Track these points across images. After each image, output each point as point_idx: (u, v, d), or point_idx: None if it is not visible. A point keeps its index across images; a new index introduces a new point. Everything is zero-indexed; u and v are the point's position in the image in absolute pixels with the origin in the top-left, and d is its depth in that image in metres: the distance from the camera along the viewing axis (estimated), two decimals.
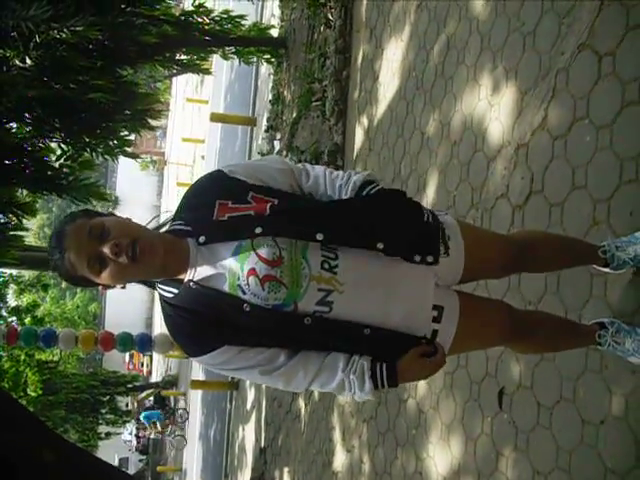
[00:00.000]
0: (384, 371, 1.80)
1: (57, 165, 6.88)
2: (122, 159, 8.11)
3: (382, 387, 1.81)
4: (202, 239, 1.78)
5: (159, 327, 29.60)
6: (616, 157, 2.73)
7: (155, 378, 28.00)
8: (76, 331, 9.49)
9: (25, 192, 7.20)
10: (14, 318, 13.58)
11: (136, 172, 39.62)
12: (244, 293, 1.74)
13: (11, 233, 7.21)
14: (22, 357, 13.43)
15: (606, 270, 2.53)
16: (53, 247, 1.73)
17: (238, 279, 1.74)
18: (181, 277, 1.80)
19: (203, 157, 21.59)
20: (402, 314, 1.84)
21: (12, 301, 14.91)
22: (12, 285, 14.51)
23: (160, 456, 27.52)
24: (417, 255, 1.87)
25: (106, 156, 7.32)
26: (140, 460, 31.44)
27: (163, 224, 1.92)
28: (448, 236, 1.96)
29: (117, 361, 30.12)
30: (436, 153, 4.38)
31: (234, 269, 1.74)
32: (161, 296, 1.84)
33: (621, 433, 2.50)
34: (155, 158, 40.95)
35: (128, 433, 31.03)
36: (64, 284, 42.05)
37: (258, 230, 1.74)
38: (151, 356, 31.02)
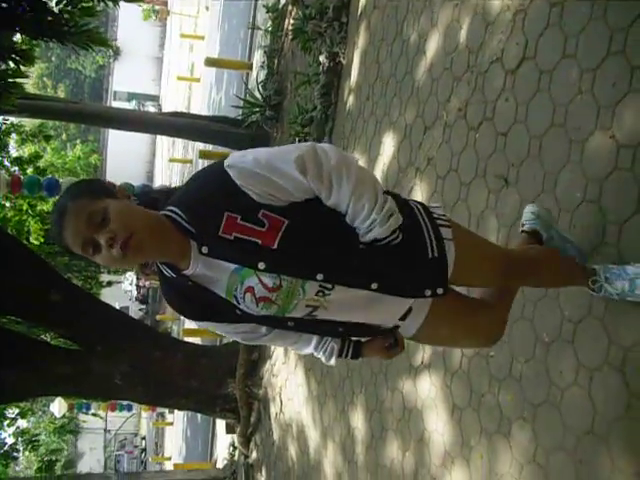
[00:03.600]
0: (350, 352, 2.09)
1: (57, 10, 6.78)
2: (123, 5, 7.88)
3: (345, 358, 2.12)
4: (205, 250, 1.76)
5: (160, 179, 29.88)
6: (607, 28, 2.79)
7: None
8: None
9: (25, 38, 7.13)
10: (16, 168, 13.65)
11: (138, 22, 38.45)
12: (238, 303, 1.83)
13: (10, 80, 7.18)
14: (24, 207, 13.62)
15: (591, 293, 2.58)
16: (54, 220, 1.75)
17: (235, 290, 1.80)
18: (181, 267, 1.82)
19: (207, 8, 20.96)
20: (376, 322, 2.04)
21: (14, 151, 14.94)
22: (14, 135, 14.48)
23: (159, 305, 28.60)
24: (427, 290, 1.95)
25: (107, 1, 7.16)
26: (140, 309, 32.71)
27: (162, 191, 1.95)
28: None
29: None
30: (437, 15, 4.39)
31: (233, 281, 1.79)
32: (161, 271, 1.88)
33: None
34: (158, 7, 39.58)
35: (129, 283, 32.09)
36: (65, 135, 41.95)
37: (261, 266, 1.75)
38: None
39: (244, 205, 1.73)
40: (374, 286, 1.86)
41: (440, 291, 1.96)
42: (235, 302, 1.83)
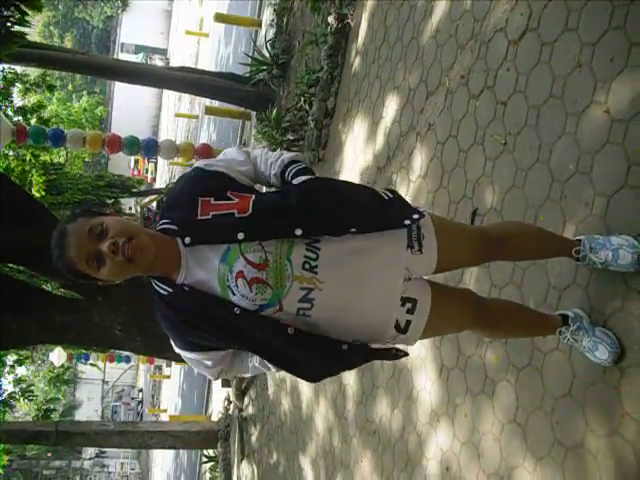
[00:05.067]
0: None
1: None
2: None
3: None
4: (187, 240, 1.89)
5: (165, 134, 29.83)
6: (610, 2, 2.83)
7: (159, 185, 28.58)
8: (84, 132, 9.68)
9: None
10: (20, 118, 13.58)
11: None
12: (234, 294, 1.88)
13: (14, 29, 7.10)
14: (28, 157, 13.62)
15: (576, 263, 2.66)
16: (55, 245, 1.83)
17: (227, 280, 1.87)
18: (173, 277, 1.92)
19: None
20: (375, 305, 2.02)
21: (18, 100, 14.85)
22: (17, 84, 14.39)
23: None
24: (406, 220, 2.04)
25: None
26: None
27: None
28: (422, 235, 2.10)
29: (122, 166, 30.59)
30: None
31: (223, 271, 1.87)
32: (156, 291, 1.96)
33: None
34: None
35: None
36: (71, 86, 41.70)
37: (240, 236, 1.86)
38: (155, 163, 31.44)
39: (214, 187, 1.96)
40: (353, 229, 1.94)
41: (416, 216, 2.07)
42: (231, 294, 1.89)
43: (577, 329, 2.55)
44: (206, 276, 1.90)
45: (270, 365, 2.08)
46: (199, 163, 2.05)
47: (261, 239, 1.87)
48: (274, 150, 2.24)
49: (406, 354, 2.17)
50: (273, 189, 2.18)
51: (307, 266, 1.89)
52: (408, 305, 2.10)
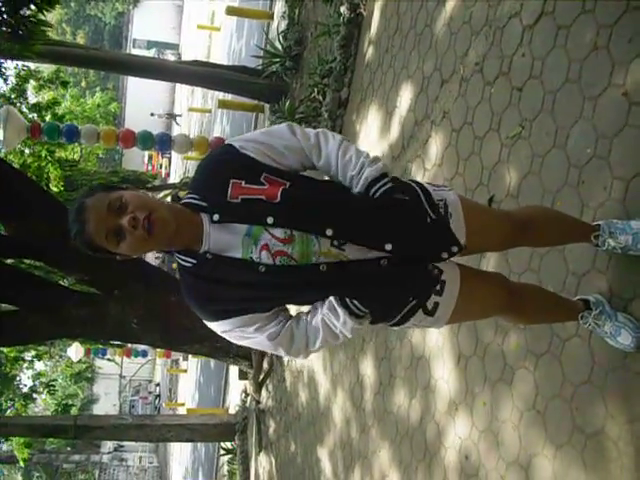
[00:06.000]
0: (355, 302, 1.93)
1: None
2: None
3: (358, 313, 1.94)
4: (216, 217, 1.86)
5: (178, 129, 29.87)
6: None
7: (173, 180, 28.66)
8: (98, 128, 9.70)
9: None
10: (35, 115, 13.65)
11: None
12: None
13: (33, 28, 7.16)
14: (43, 153, 13.69)
15: (595, 247, 2.63)
16: (73, 220, 1.80)
17: (251, 252, 1.85)
18: (196, 248, 1.88)
19: None
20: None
21: (32, 97, 14.93)
22: (32, 81, 14.46)
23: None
24: (444, 253, 2.03)
25: None
26: (156, 257, 32.94)
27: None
28: (450, 214, 2.05)
29: (136, 162, 30.71)
30: None
31: (247, 243, 1.85)
32: (180, 265, 1.93)
33: None
34: None
35: None
36: (84, 82, 41.87)
37: (270, 220, 1.83)
38: (169, 158, 31.54)
39: (246, 170, 1.89)
40: (388, 247, 1.90)
41: (455, 249, 2.04)
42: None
43: (599, 314, 2.52)
44: (229, 248, 1.87)
45: (338, 307, 1.92)
46: (235, 141, 1.96)
47: (289, 228, 1.85)
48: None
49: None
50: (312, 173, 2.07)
51: (335, 243, 1.87)
52: (437, 286, 2.05)
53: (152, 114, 31.45)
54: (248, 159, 1.91)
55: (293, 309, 2.15)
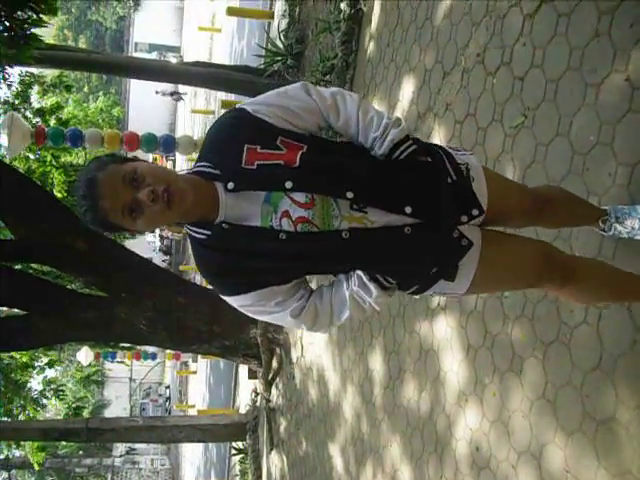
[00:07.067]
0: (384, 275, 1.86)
1: None
2: None
3: (388, 285, 1.87)
4: (231, 185, 1.76)
5: (182, 130, 29.94)
6: None
7: None
8: (102, 131, 9.73)
9: None
10: (39, 119, 13.71)
11: None
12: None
13: (31, 31, 7.14)
14: (48, 158, 13.73)
15: (601, 233, 2.62)
16: (83, 195, 1.67)
17: (271, 220, 1.76)
18: (211, 219, 1.79)
19: None
20: None
21: (36, 102, 14.98)
22: (35, 86, 14.51)
23: (182, 256, 28.92)
24: (464, 216, 1.91)
25: None
26: (163, 260, 33.10)
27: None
28: (472, 177, 1.96)
29: None
30: None
31: (267, 210, 1.76)
32: (193, 237, 1.84)
33: None
34: None
35: (152, 235, 32.43)
36: (86, 88, 41.95)
37: (288, 185, 1.73)
38: (174, 161, 31.58)
39: (261, 134, 1.78)
40: (408, 210, 1.81)
41: (475, 212, 1.94)
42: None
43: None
44: (247, 217, 1.78)
45: (369, 283, 1.84)
46: (247, 105, 1.85)
47: (308, 192, 1.76)
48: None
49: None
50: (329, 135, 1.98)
51: (355, 206, 1.78)
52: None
53: (157, 92, 31.20)
54: (262, 123, 1.80)
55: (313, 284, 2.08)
